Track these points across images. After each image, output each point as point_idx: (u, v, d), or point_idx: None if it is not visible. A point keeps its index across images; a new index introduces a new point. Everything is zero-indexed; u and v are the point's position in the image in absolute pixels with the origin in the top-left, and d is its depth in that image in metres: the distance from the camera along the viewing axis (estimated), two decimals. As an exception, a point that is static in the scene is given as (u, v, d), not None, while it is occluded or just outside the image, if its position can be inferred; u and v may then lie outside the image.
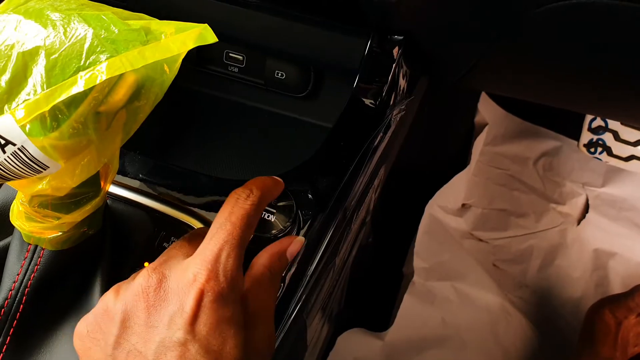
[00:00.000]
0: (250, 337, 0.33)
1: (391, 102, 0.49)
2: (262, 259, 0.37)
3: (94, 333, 0.32)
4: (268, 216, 0.39)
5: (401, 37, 0.47)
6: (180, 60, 0.30)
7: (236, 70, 0.53)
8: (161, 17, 0.34)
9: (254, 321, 0.34)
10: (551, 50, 0.46)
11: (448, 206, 0.97)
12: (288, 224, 0.39)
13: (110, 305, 0.32)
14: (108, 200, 0.41)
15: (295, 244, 0.39)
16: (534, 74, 0.51)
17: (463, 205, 0.99)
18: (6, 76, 0.28)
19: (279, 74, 0.51)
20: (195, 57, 0.52)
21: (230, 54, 0.52)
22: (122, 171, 0.45)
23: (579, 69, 0.48)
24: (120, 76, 0.29)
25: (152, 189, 0.44)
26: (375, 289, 0.91)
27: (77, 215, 0.35)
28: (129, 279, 0.34)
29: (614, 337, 0.75)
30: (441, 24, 0.47)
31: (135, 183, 0.44)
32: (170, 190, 0.44)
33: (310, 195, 0.43)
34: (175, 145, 0.49)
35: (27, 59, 0.28)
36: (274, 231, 0.39)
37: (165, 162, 0.46)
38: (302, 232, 0.42)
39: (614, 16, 0.39)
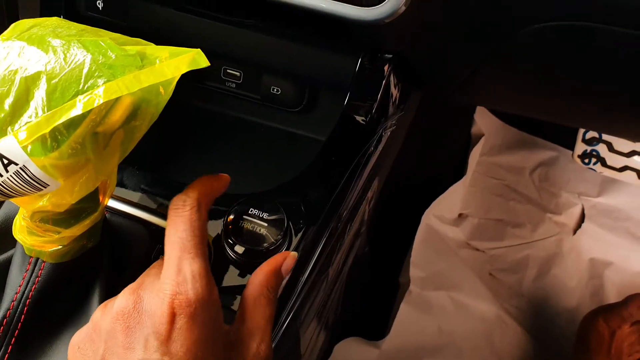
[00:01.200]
0: (245, 356, 0.34)
1: (383, 118, 0.50)
2: (259, 277, 0.37)
3: (84, 349, 0.33)
4: (259, 230, 0.40)
5: (391, 55, 0.48)
6: (174, 83, 0.32)
7: (233, 85, 0.54)
8: (163, 38, 0.35)
9: (249, 340, 0.34)
10: (536, 68, 0.47)
11: (445, 216, 0.97)
12: (279, 237, 0.40)
13: (97, 323, 0.33)
14: (106, 214, 0.42)
15: (290, 259, 0.39)
16: (521, 89, 0.53)
17: (460, 215, 1.00)
18: (10, 100, 0.30)
19: (275, 90, 0.53)
20: (194, 73, 0.54)
21: (228, 70, 0.54)
22: (120, 185, 0.45)
23: (562, 86, 0.49)
24: (117, 99, 0.30)
25: (149, 203, 0.45)
26: (372, 298, 0.92)
27: (77, 230, 0.36)
28: (119, 295, 0.35)
29: (608, 346, 0.75)
30: (431, 46, 0.49)
31: (134, 197, 0.45)
32: (168, 203, 0.45)
33: (302, 208, 0.45)
34: (172, 159, 0.51)
35: (29, 84, 0.30)
36: (265, 244, 0.40)
37: (163, 175, 0.48)
38: (294, 244, 0.43)
39: (593, 38, 0.41)
